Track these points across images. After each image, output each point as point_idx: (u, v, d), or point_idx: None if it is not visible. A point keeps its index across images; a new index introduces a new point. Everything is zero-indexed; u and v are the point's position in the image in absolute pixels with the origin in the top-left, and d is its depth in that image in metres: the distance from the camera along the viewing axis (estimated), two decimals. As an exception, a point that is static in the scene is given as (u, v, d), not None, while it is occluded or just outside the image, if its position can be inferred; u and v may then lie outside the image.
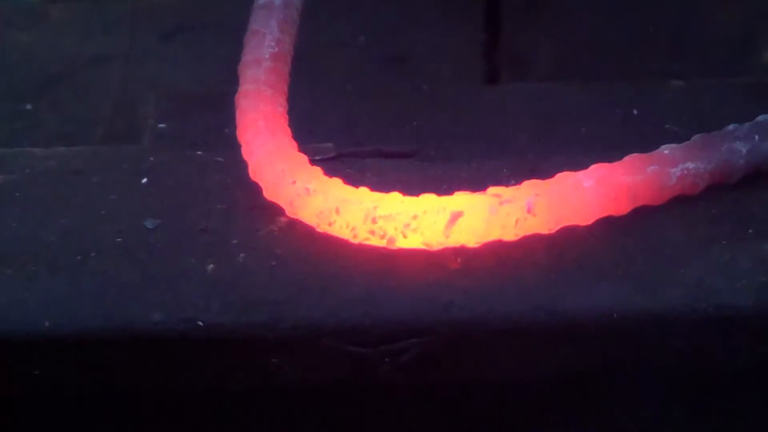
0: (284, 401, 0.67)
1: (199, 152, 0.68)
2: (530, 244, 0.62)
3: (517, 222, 0.60)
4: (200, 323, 0.60)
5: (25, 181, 0.67)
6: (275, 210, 0.63)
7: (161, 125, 0.74)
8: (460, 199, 0.60)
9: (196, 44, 0.84)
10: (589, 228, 0.63)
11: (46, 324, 0.60)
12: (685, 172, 0.62)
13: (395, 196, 0.61)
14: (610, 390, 0.68)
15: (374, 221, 0.60)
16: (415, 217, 0.60)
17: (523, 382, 0.66)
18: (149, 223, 0.64)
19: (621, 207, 0.62)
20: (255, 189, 0.63)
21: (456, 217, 0.60)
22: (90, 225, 0.64)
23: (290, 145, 0.63)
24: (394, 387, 0.64)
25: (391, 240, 0.60)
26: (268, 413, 0.68)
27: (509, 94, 0.76)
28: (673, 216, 0.64)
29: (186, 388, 0.64)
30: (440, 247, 0.61)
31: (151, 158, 0.68)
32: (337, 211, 0.60)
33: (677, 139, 0.63)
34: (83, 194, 0.66)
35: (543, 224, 0.61)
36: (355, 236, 0.61)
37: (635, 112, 0.73)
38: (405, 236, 0.60)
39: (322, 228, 0.61)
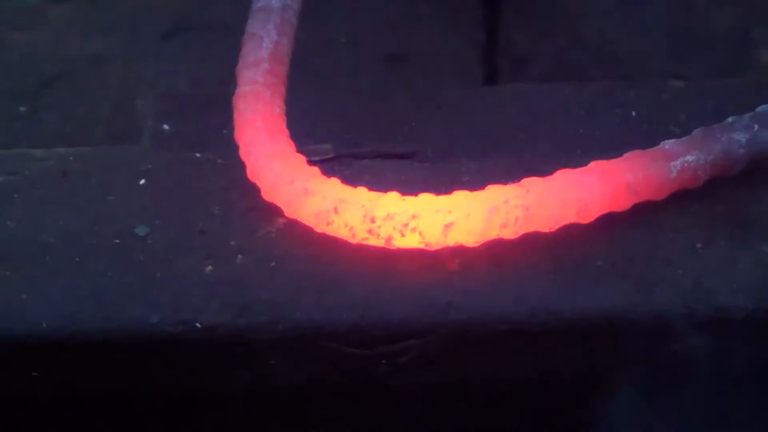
0: (282, 402, 0.67)
1: (197, 153, 0.68)
2: (529, 245, 0.62)
3: (516, 220, 0.60)
4: (198, 324, 0.60)
5: (24, 182, 0.67)
6: (273, 211, 0.63)
7: (160, 126, 0.74)
8: (459, 199, 0.60)
9: (196, 45, 0.85)
10: (587, 229, 0.63)
11: (44, 325, 0.60)
12: (686, 165, 0.62)
13: (393, 195, 0.61)
14: (609, 391, 0.68)
15: (373, 221, 0.60)
16: (414, 216, 0.60)
17: (522, 383, 0.66)
18: (140, 230, 0.64)
19: (622, 203, 0.62)
20: (253, 190, 0.63)
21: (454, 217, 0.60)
22: (88, 226, 0.64)
23: (288, 146, 0.63)
24: (392, 388, 0.64)
25: (389, 240, 0.60)
26: (266, 414, 0.68)
27: (508, 95, 0.75)
28: (672, 217, 0.64)
29: (184, 390, 0.64)
30: (439, 247, 0.61)
31: (150, 159, 0.68)
32: (336, 210, 0.60)
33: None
34: (82, 195, 0.66)
35: (543, 222, 0.61)
36: (353, 236, 0.61)
37: (634, 112, 0.73)
38: (403, 236, 0.60)
39: (320, 228, 0.61)
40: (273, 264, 0.62)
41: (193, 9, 0.88)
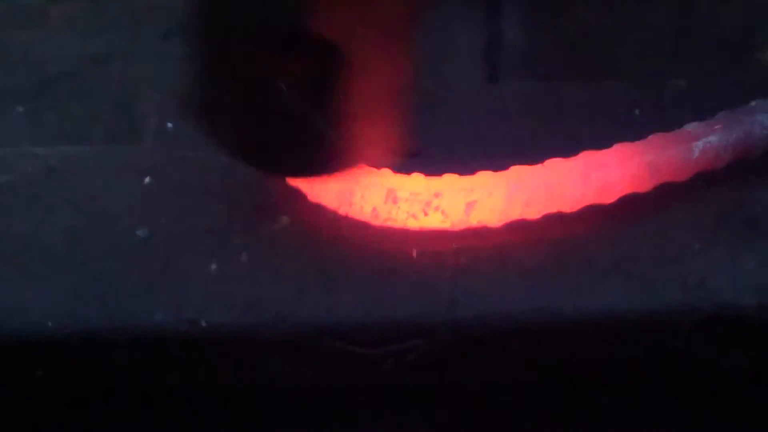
0: (287, 401, 0.67)
1: (201, 152, 0.68)
2: (533, 244, 0.62)
3: (538, 199, 0.60)
4: (203, 323, 0.60)
5: (27, 181, 0.67)
6: (278, 209, 0.63)
7: (164, 124, 0.74)
8: (482, 178, 0.61)
9: (198, 44, 0.84)
10: (592, 228, 0.63)
11: (49, 324, 0.60)
12: (708, 146, 0.62)
13: (417, 176, 0.61)
14: (613, 390, 0.68)
15: (395, 201, 0.60)
16: (436, 195, 0.60)
17: (526, 382, 0.66)
18: (141, 233, 0.64)
19: (644, 183, 0.62)
20: (257, 189, 0.63)
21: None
22: (92, 225, 0.64)
23: None
24: (397, 387, 0.64)
25: (414, 218, 0.60)
26: (270, 413, 0.68)
27: (509, 94, 0.75)
28: (676, 216, 0.64)
29: (188, 388, 0.64)
30: (462, 227, 0.61)
31: (154, 158, 0.68)
32: (358, 191, 0.61)
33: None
34: (85, 194, 0.66)
35: (566, 202, 0.61)
36: (376, 217, 0.61)
37: (637, 111, 0.73)
38: (426, 215, 0.60)
39: (343, 210, 0.62)
40: (278, 262, 0.62)
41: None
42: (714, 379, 0.67)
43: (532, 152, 0.67)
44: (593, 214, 0.63)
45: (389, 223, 0.61)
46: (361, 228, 0.62)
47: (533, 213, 0.61)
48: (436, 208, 0.60)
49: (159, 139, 0.73)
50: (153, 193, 0.66)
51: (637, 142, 0.63)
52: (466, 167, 0.65)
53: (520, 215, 0.61)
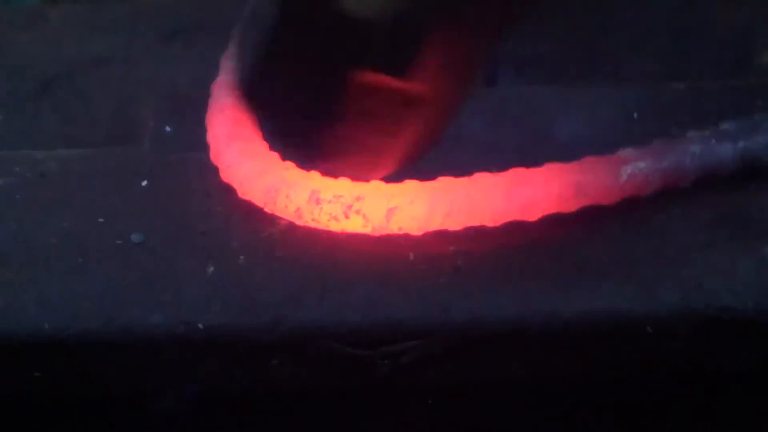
0: (284, 403, 0.67)
1: (199, 154, 0.68)
2: (531, 246, 0.62)
3: (460, 211, 0.61)
4: (200, 325, 0.60)
5: (26, 184, 0.67)
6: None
7: (162, 127, 0.74)
8: (407, 186, 0.61)
9: (197, 46, 0.84)
10: (589, 230, 0.63)
11: (46, 326, 0.60)
12: (636, 170, 0.62)
13: (344, 180, 0.62)
14: (611, 392, 0.68)
15: (318, 202, 0.61)
16: (358, 198, 0.60)
17: (523, 385, 0.66)
18: (136, 237, 0.64)
19: (569, 203, 0.62)
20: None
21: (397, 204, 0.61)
22: (90, 227, 0.64)
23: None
24: (393, 389, 0.64)
25: (334, 220, 0.61)
26: (267, 415, 0.68)
27: (508, 97, 0.75)
28: (674, 218, 0.64)
29: (186, 390, 0.64)
30: (383, 233, 0.61)
31: (152, 160, 0.68)
32: (283, 190, 0.61)
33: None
34: (83, 196, 0.66)
35: (488, 216, 0.61)
36: (299, 217, 0.62)
37: (635, 115, 0.73)
38: (348, 218, 0.61)
39: (269, 208, 0.62)
40: (275, 265, 0.62)
41: (194, 10, 0.88)
42: (712, 381, 0.67)
43: (530, 156, 0.67)
44: (591, 216, 0.63)
45: (313, 224, 0.62)
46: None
47: (454, 224, 0.61)
48: (357, 212, 0.61)
49: (157, 142, 0.73)
50: (150, 196, 0.66)
51: (568, 163, 0.62)
52: (463, 171, 0.65)
53: (440, 225, 0.61)
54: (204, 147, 0.66)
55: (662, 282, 0.61)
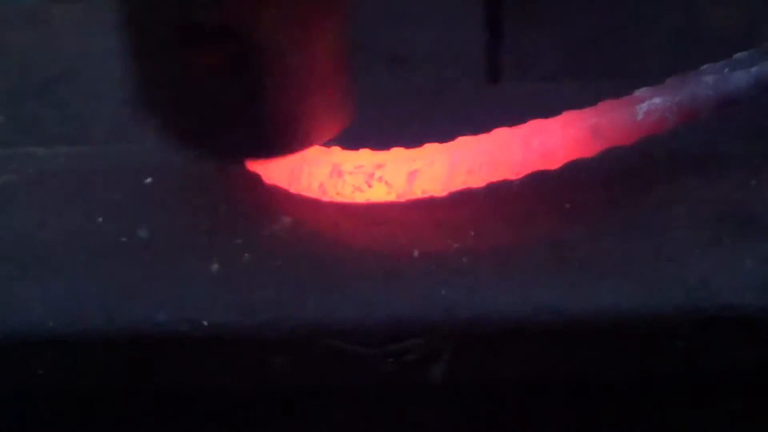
0: (288, 400, 0.67)
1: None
2: (533, 244, 0.62)
3: (481, 166, 0.61)
4: (204, 323, 0.60)
5: (28, 181, 0.67)
6: (279, 210, 0.63)
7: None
8: (426, 149, 0.61)
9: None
10: (592, 227, 0.63)
11: (50, 324, 0.60)
12: (653, 107, 0.62)
13: (364, 151, 0.62)
14: (613, 390, 0.68)
15: (340, 175, 0.61)
16: (379, 166, 0.60)
17: (527, 382, 0.66)
18: (142, 233, 0.64)
19: (588, 148, 0.62)
20: (260, 189, 0.63)
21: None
22: (94, 225, 0.64)
23: None
24: (397, 387, 0.64)
25: (358, 190, 0.61)
26: (272, 413, 0.68)
27: (511, 94, 0.75)
28: (677, 216, 0.64)
29: (190, 389, 0.64)
30: (407, 197, 0.61)
31: (155, 158, 0.68)
32: (305, 168, 0.61)
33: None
34: (86, 194, 0.66)
35: (509, 168, 0.61)
36: (324, 193, 0.62)
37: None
38: (370, 186, 0.61)
39: (293, 188, 0.62)
40: (279, 262, 0.62)
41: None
42: (715, 380, 0.67)
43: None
44: (593, 214, 0.63)
45: (338, 198, 0.62)
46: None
47: (477, 181, 0.61)
48: (380, 179, 0.61)
49: (160, 139, 0.73)
50: (154, 193, 0.66)
51: (585, 109, 0.62)
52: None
53: (464, 183, 0.61)
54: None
55: (665, 280, 0.61)
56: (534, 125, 0.62)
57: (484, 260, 0.62)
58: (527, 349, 0.62)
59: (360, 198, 0.62)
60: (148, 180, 0.67)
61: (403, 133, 0.74)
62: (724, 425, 0.71)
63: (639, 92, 0.63)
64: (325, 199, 0.62)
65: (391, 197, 0.61)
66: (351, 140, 0.71)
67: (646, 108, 0.62)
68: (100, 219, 0.64)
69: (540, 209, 0.64)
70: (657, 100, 0.62)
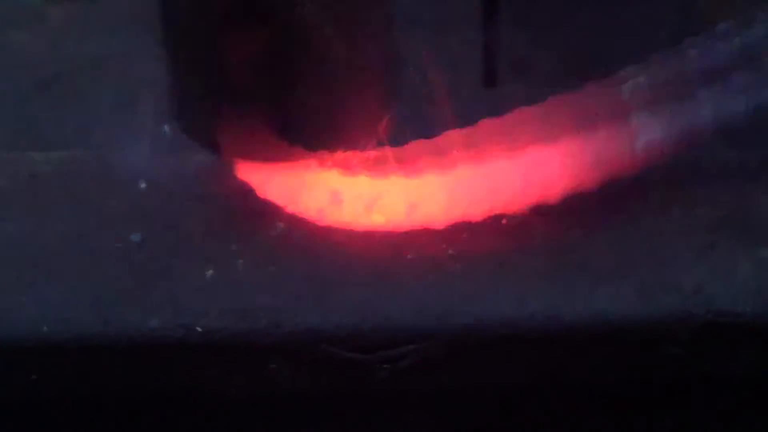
0: (282, 407, 0.67)
1: (198, 156, 0.68)
2: (529, 249, 0.62)
3: (481, 201, 0.61)
4: (199, 329, 0.60)
5: (23, 186, 0.67)
6: (274, 216, 0.63)
7: (160, 128, 0.74)
8: (426, 181, 0.61)
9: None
10: (588, 232, 0.63)
11: (44, 329, 0.60)
12: (638, 87, 0.62)
13: (362, 178, 0.61)
14: (609, 396, 0.68)
15: (340, 202, 0.61)
16: (378, 196, 0.61)
17: (522, 388, 0.66)
18: (136, 237, 0.64)
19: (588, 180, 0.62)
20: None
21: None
22: (88, 230, 0.64)
23: None
24: (392, 393, 0.64)
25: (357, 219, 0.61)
26: (266, 419, 0.68)
27: (508, 98, 0.75)
28: (673, 221, 0.64)
29: (184, 394, 0.64)
30: (406, 228, 0.62)
31: (150, 162, 0.68)
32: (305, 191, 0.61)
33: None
34: (81, 199, 0.66)
35: (509, 202, 0.62)
36: (322, 218, 0.62)
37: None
38: (369, 216, 0.61)
39: (290, 208, 0.62)
40: (273, 268, 0.62)
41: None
42: (711, 386, 0.67)
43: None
44: (588, 220, 0.63)
45: (336, 224, 0.62)
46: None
47: (476, 214, 0.61)
48: (379, 210, 0.61)
49: (155, 143, 0.73)
50: (149, 197, 0.66)
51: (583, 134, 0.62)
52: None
53: (462, 216, 0.61)
54: (203, 149, 0.66)
55: (661, 285, 0.61)
56: (532, 156, 0.61)
57: (479, 266, 0.62)
58: (522, 354, 0.62)
59: (358, 226, 0.61)
60: (143, 185, 0.67)
61: (398, 136, 0.75)
62: (721, 430, 0.71)
63: (624, 71, 0.62)
64: (322, 223, 0.62)
65: (389, 227, 0.61)
66: (347, 143, 0.71)
67: (632, 87, 0.62)
68: (95, 224, 0.65)
69: (535, 215, 0.64)
70: (641, 80, 0.62)
